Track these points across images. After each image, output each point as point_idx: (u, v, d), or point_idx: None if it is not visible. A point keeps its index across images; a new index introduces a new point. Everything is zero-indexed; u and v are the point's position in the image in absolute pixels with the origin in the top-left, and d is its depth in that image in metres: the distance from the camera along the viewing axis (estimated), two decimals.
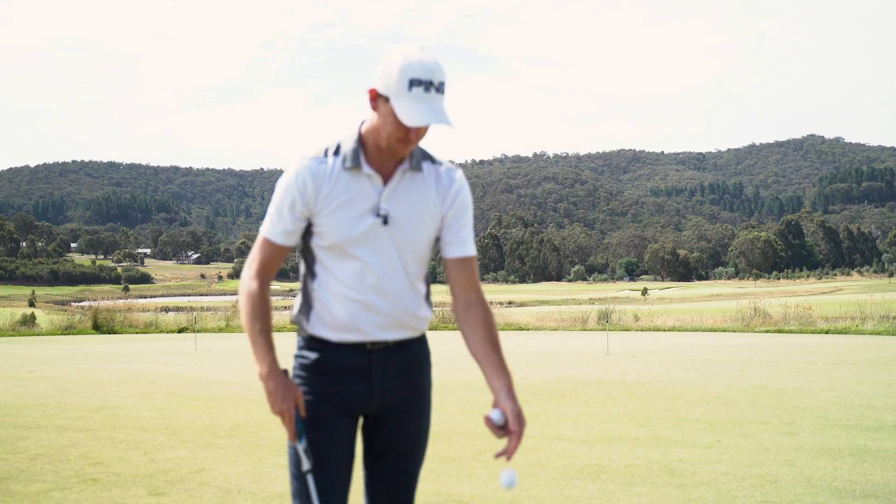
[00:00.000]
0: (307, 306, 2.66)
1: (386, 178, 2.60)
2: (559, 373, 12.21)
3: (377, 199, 2.58)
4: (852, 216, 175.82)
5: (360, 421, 2.74)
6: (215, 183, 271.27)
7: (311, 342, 2.66)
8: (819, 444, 6.67)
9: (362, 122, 2.65)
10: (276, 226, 2.61)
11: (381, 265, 2.59)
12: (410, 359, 2.70)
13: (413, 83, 2.43)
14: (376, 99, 2.52)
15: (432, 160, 2.69)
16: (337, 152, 2.60)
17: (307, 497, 2.58)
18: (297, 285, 2.81)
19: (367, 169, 2.57)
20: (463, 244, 2.69)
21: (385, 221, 2.58)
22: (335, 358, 2.61)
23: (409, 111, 2.43)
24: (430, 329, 26.64)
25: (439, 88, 2.47)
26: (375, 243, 2.58)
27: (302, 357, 2.68)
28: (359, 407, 2.65)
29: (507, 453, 2.52)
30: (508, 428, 2.53)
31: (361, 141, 2.61)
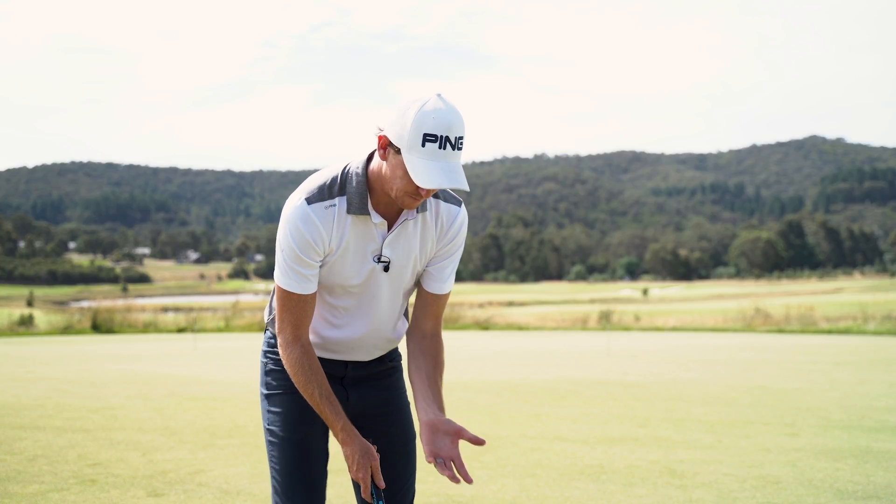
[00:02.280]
0: None
1: (391, 222, 2.52)
2: (559, 373, 12.19)
3: (381, 243, 2.52)
4: (854, 216, 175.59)
5: None
6: (214, 183, 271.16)
7: None
8: (821, 445, 6.64)
9: (368, 158, 2.50)
10: (301, 281, 2.47)
11: (375, 305, 2.60)
12: (383, 366, 2.76)
13: (427, 139, 2.26)
14: (386, 147, 2.37)
15: (436, 195, 2.59)
16: (342, 191, 2.46)
17: (290, 493, 2.61)
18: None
19: (375, 218, 2.47)
20: (444, 282, 2.68)
21: (386, 268, 2.54)
22: None
23: (421, 171, 2.27)
24: None
25: (456, 144, 2.29)
26: (373, 286, 2.57)
27: (278, 356, 2.69)
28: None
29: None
30: (458, 435, 2.48)
31: (368, 184, 2.46)
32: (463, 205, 2.64)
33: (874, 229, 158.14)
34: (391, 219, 2.51)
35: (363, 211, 2.45)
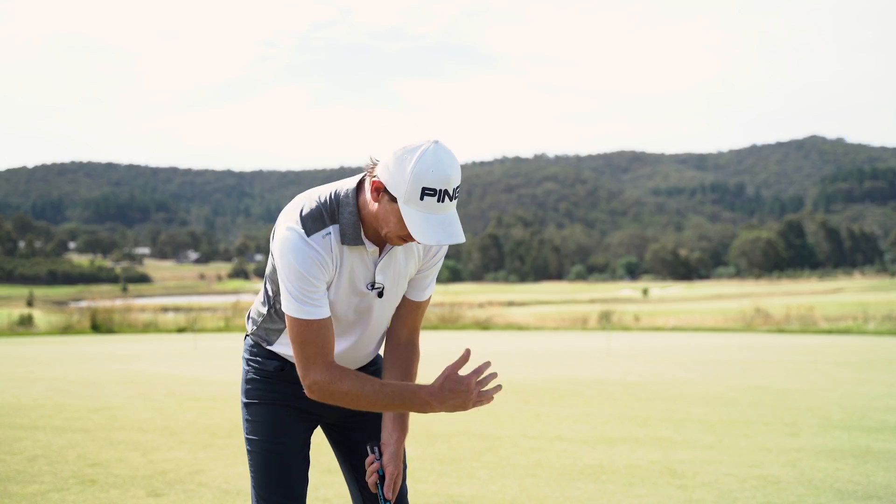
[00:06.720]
0: (277, 332, 2.64)
1: (381, 247, 2.52)
2: (559, 373, 12.19)
3: (373, 270, 2.52)
4: (854, 216, 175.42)
5: (319, 430, 2.79)
6: (214, 183, 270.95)
7: (270, 353, 2.68)
8: (821, 445, 6.64)
9: (358, 187, 2.45)
10: (318, 306, 2.41)
11: (363, 327, 2.61)
12: (366, 371, 2.76)
13: (426, 192, 2.23)
14: (380, 191, 2.33)
15: None
16: (333, 219, 2.42)
17: (271, 502, 2.62)
18: (262, 284, 2.71)
19: (370, 246, 2.47)
20: (424, 290, 2.68)
21: (380, 294, 2.55)
22: (296, 373, 2.59)
23: (420, 226, 2.25)
24: (430, 328, 26.37)
25: (453, 195, 2.28)
26: (363, 311, 2.58)
27: (260, 363, 2.70)
28: (320, 413, 2.69)
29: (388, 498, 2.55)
30: (384, 467, 2.57)
31: (358, 213, 2.43)
32: None
33: (874, 229, 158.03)
34: (380, 244, 2.51)
35: (357, 241, 2.43)
